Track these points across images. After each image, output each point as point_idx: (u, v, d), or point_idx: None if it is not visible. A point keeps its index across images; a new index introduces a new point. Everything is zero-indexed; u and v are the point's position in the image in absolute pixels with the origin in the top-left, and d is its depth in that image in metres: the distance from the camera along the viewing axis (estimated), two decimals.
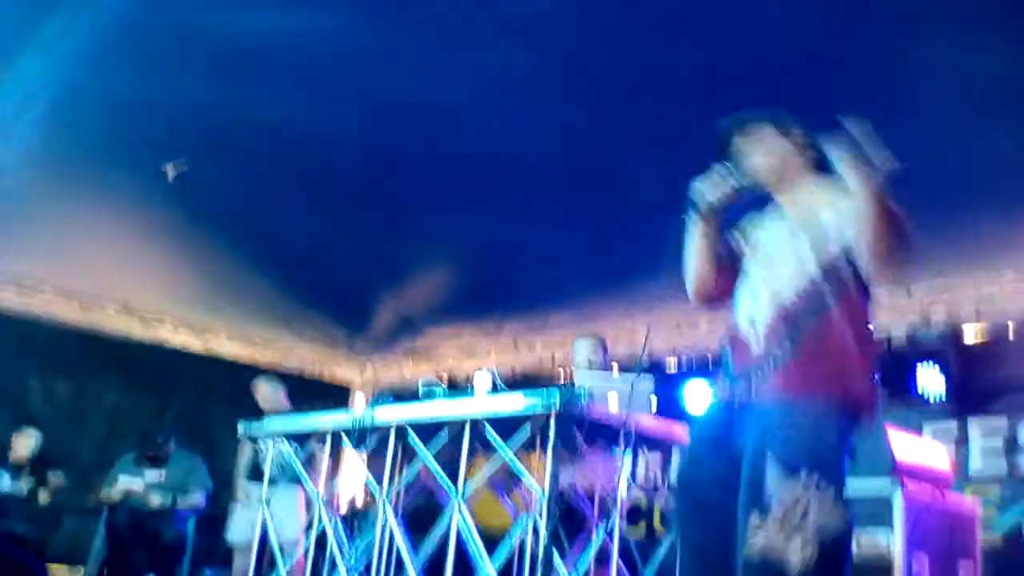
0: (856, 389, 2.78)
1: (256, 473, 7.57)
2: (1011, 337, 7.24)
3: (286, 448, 6.73)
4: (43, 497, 7.99)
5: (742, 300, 3.15)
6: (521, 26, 5.12)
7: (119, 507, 7.64)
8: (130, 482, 7.70)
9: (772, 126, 3.16)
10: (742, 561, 2.59)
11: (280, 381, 7.98)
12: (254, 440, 7.43)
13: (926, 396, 7.29)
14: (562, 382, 5.66)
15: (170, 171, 6.57)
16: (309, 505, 7.20)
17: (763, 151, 3.12)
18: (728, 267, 3.21)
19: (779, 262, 3.05)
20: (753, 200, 3.18)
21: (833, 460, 2.61)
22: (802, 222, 3.08)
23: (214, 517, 7.63)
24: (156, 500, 7.64)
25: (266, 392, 7.81)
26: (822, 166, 3.06)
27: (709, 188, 3.08)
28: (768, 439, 2.66)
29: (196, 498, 7.74)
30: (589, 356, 6.38)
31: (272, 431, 6.52)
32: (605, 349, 6.57)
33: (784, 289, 2.98)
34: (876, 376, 2.90)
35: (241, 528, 7.34)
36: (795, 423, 2.66)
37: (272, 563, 6.49)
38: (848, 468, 2.69)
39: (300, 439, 6.51)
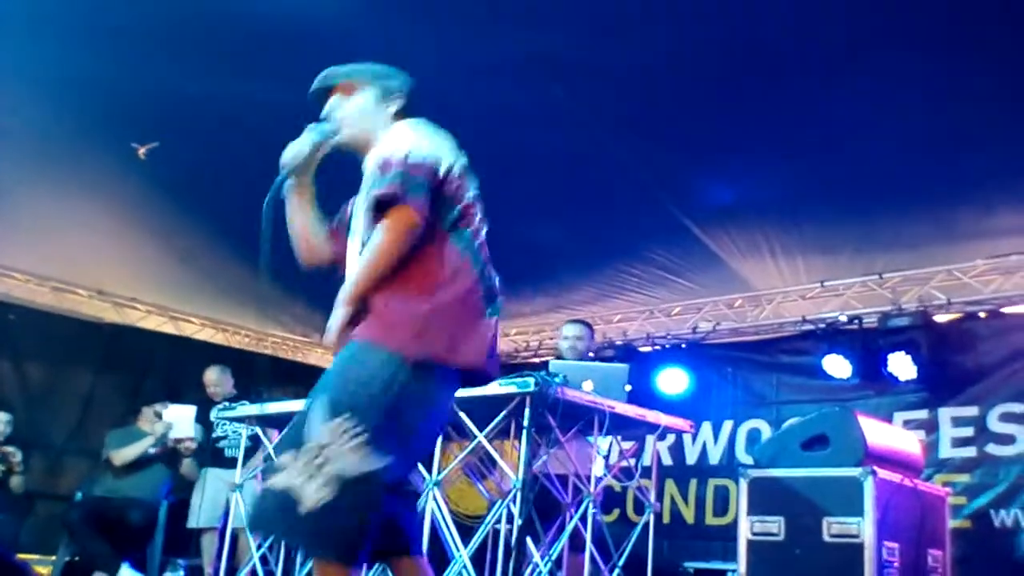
0: (412, 335, 2.66)
1: (217, 459, 7.57)
2: (981, 325, 7.31)
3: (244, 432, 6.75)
4: (15, 484, 7.93)
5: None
6: (515, 12, 5.11)
7: (75, 502, 7.64)
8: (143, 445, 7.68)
9: (359, 81, 3.05)
10: (260, 492, 2.65)
11: (228, 368, 7.96)
12: (215, 425, 7.46)
13: (897, 383, 7.34)
14: (536, 369, 5.67)
15: (141, 150, 6.51)
16: None
17: (347, 108, 3.03)
18: (344, 233, 3.12)
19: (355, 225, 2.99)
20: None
21: (372, 405, 2.58)
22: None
23: (185, 503, 7.61)
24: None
25: (214, 378, 7.80)
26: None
27: (290, 151, 3.05)
28: (322, 380, 2.71)
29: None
30: (575, 340, 6.43)
31: (244, 416, 6.51)
32: (592, 334, 6.62)
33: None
34: (455, 320, 2.75)
35: (205, 513, 7.36)
36: (342, 367, 2.69)
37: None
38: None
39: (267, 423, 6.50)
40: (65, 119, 6.40)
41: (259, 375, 9.98)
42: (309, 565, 5.79)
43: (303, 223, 3.15)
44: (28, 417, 8.67)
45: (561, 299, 9.02)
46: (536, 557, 5.12)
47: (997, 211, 6.46)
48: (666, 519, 8.19)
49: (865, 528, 4.71)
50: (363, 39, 5.29)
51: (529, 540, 5.09)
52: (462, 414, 5.00)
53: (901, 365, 7.27)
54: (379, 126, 3.01)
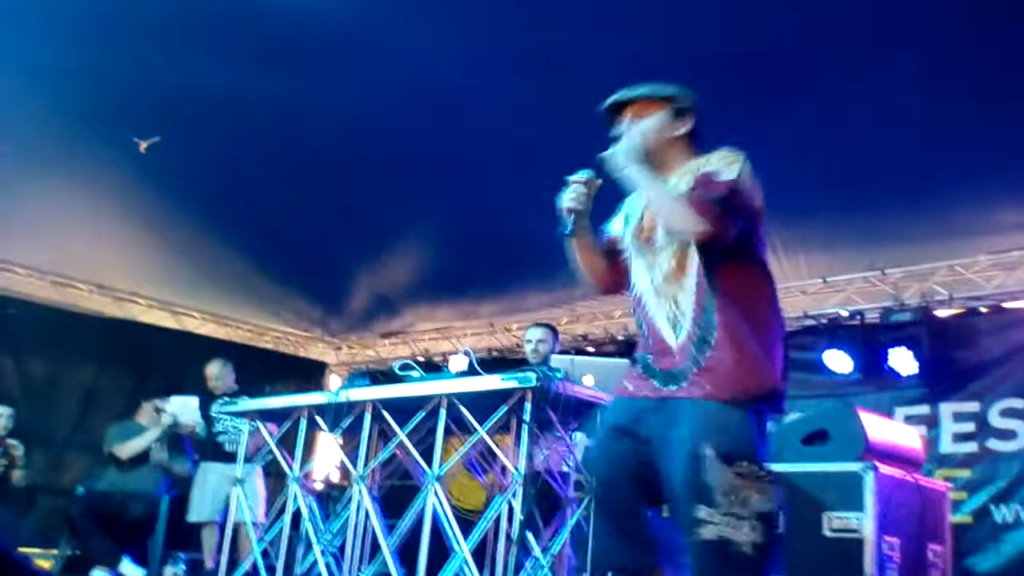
0: (764, 381, 2.78)
1: (217, 453, 7.57)
2: (983, 321, 7.30)
3: (245, 428, 6.75)
4: (16, 478, 7.93)
5: (642, 291, 3.02)
6: (514, 8, 5.11)
7: (77, 496, 7.65)
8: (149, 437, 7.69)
9: (666, 103, 3.01)
10: (696, 550, 2.68)
11: (229, 362, 7.96)
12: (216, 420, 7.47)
13: (898, 378, 7.33)
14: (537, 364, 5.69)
15: (142, 145, 6.52)
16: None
17: (638, 130, 2.98)
18: (619, 262, 3.16)
19: (659, 249, 2.96)
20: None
21: (756, 448, 2.70)
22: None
23: (185, 498, 7.61)
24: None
25: (216, 372, 7.80)
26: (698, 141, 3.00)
27: (566, 200, 3.02)
28: (700, 435, 2.70)
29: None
30: (538, 343, 6.45)
31: (247, 410, 6.51)
32: (556, 337, 6.63)
33: (677, 278, 2.90)
34: (783, 361, 2.90)
35: (205, 506, 7.37)
36: (722, 421, 2.71)
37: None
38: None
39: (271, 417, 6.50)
40: (65, 112, 6.41)
41: (260, 369, 9.99)
42: (310, 560, 5.81)
43: (592, 265, 3.17)
44: (30, 411, 8.67)
45: (563, 294, 9.01)
46: (537, 551, 5.12)
47: (998, 207, 6.46)
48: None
49: (866, 523, 4.71)
50: (364, 30, 5.31)
51: (530, 534, 5.09)
52: (463, 408, 5.00)
53: (902, 360, 7.27)
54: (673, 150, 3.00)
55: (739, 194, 2.73)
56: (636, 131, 2.97)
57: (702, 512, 2.65)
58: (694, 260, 2.83)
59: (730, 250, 2.78)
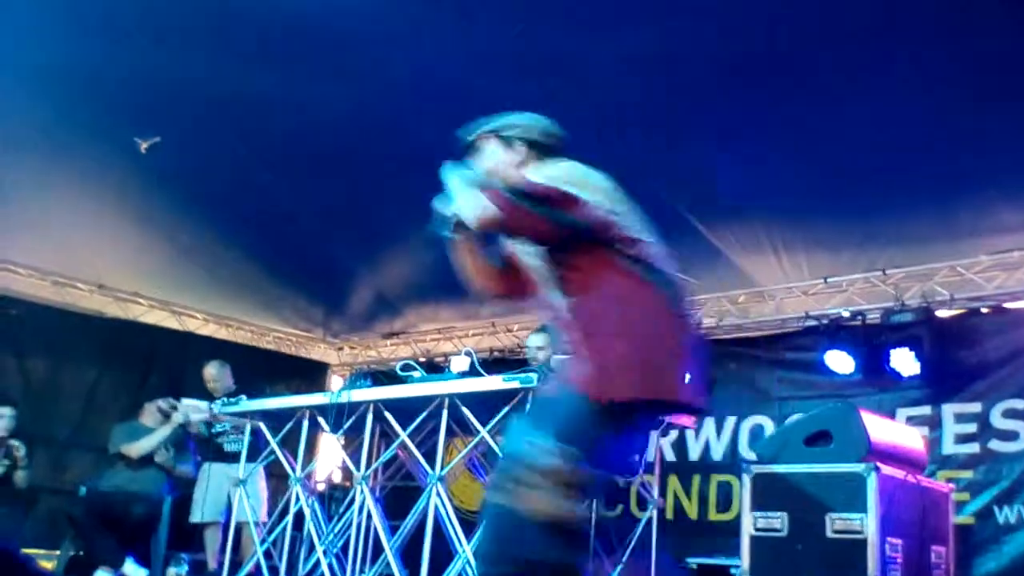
0: (610, 381, 2.72)
1: (218, 454, 7.58)
2: (984, 321, 7.30)
3: (248, 427, 6.76)
4: (19, 478, 7.93)
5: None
6: (514, 6, 5.12)
7: (79, 496, 7.65)
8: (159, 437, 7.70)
9: (494, 135, 3.23)
10: (488, 510, 2.75)
11: (226, 363, 7.97)
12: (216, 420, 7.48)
13: (900, 379, 7.33)
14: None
15: (143, 145, 6.52)
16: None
17: (485, 160, 3.20)
18: (511, 269, 3.24)
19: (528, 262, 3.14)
20: None
21: (582, 441, 2.65)
22: None
23: (188, 498, 7.62)
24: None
25: (213, 374, 7.80)
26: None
27: (443, 204, 3.14)
28: (538, 415, 2.86)
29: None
30: (537, 350, 6.46)
31: (248, 411, 6.51)
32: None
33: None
34: (669, 365, 2.81)
35: (208, 507, 7.38)
36: (558, 407, 2.77)
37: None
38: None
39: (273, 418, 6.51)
40: (67, 113, 6.41)
41: (262, 370, 9.99)
42: (313, 560, 5.82)
43: (476, 269, 3.26)
44: (32, 411, 8.66)
45: None
46: None
47: (1000, 207, 6.46)
48: (669, 515, 8.19)
49: (868, 524, 4.71)
50: (366, 29, 5.31)
51: None
52: (465, 409, 5.01)
53: (904, 361, 7.26)
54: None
55: (541, 193, 2.87)
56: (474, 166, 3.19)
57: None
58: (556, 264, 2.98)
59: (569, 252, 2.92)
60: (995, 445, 6.94)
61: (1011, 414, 6.92)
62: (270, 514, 7.10)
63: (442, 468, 5.15)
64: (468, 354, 5.61)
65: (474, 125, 3.28)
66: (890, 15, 4.79)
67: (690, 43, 5.19)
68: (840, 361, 7.63)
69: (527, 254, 3.08)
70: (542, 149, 3.19)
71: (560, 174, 2.96)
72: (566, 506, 2.60)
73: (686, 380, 2.83)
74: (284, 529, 6.24)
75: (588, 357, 2.77)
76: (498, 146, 3.22)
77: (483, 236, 3.15)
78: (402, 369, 5.65)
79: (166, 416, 7.72)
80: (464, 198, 2.96)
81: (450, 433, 5.25)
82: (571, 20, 5.19)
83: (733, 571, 6.07)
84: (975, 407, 7.10)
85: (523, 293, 3.23)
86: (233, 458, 7.13)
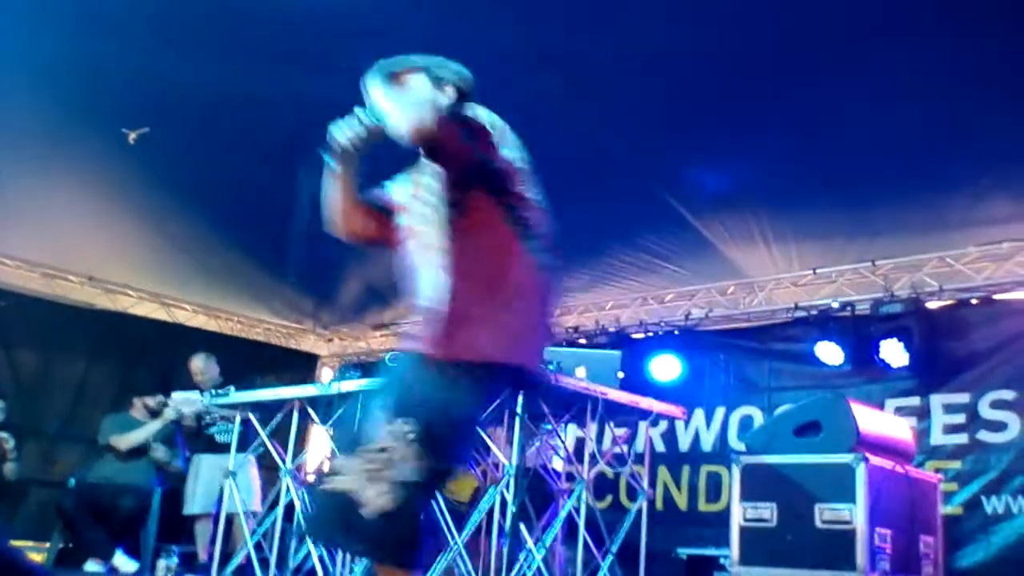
0: (469, 342, 2.65)
1: (209, 445, 7.57)
2: (973, 312, 7.32)
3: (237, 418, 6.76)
4: (8, 470, 7.92)
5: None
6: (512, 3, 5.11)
7: (68, 488, 7.65)
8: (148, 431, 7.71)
9: (424, 72, 3.16)
10: (317, 491, 2.68)
11: (212, 355, 7.96)
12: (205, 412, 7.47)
13: (889, 369, 7.35)
14: None
15: (131, 135, 6.49)
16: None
17: (410, 93, 3.09)
18: (378, 213, 3.21)
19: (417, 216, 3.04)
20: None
21: (427, 414, 2.56)
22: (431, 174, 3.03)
23: (179, 491, 7.61)
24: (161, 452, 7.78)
25: (200, 366, 7.79)
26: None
27: (340, 131, 3.09)
28: (383, 387, 2.75)
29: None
30: None
31: (238, 402, 6.50)
32: None
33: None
34: (530, 329, 2.78)
35: (199, 499, 7.38)
36: (402, 374, 2.72)
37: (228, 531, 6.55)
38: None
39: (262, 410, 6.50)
40: (56, 105, 6.38)
41: (251, 362, 9.97)
42: (303, 552, 5.82)
43: (342, 199, 3.22)
44: (21, 404, 8.66)
45: None
46: (530, 543, 5.13)
47: (989, 199, 6.47)
48: (659, 505, 8.21)
49: (857, 514, 4.73)
50: (364, 24, 5.29)
51: (522, 526, 5.10)
52: None
53: (893, 352, 7.28)
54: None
55: (472, 126, 2.88)
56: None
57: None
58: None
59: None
60: (983, 435, 6.97)
61: (999, 404, 6.95)
62: (263, 502, 7.10)
63: None
64: None
65: (400, 58, 3.18)
66: (879, 8, 4.79)
67: (686, 39, 5.18)
68: (830, 352, 7.65)
69: (427, 189, 2.99)
70: (463, 97, 3.18)
71: (487, 117, 2.96)
72: (398, 495, 2.50)
73: (537, 352, 2.84)
74: (274, 521, 6.23)
75: (445, 311, 2.68)
76: (427, 83, 3.15)
77: (359, 164, 3.13)
78: (391, 360, 5.64)
79: (155, 415, 7.73)
80: (401, 108, 2.86)
81: None
82: (574, 20, 5.19)
83: (722, 561, 6.09)
84: (963, 398, 7.13)
85: (385, 240, 3.17)
86: (225, 449, 7.12)
